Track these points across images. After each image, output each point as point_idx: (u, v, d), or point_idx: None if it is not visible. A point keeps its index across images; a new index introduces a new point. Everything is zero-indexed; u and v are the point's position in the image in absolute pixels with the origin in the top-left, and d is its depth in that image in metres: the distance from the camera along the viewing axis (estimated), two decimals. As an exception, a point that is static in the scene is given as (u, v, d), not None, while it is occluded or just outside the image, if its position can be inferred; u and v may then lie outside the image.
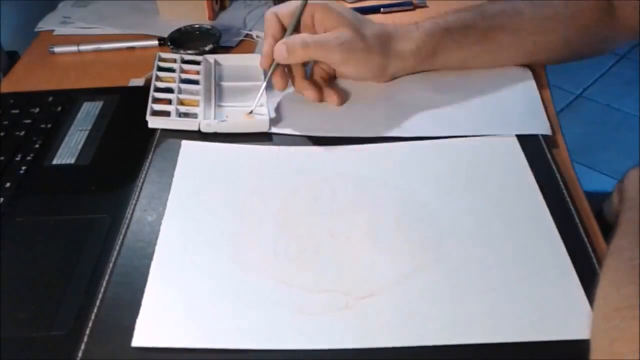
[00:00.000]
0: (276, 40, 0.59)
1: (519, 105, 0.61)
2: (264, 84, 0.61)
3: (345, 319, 0.42)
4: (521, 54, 0.65)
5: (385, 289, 0.44)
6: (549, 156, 0.55)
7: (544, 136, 0.57)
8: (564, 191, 0.52)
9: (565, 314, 0.42)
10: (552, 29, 0.63)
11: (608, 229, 0.45)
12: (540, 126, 0.58)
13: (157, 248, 0.47)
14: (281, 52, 0.57)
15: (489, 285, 0.44)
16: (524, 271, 0.45)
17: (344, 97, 0.62)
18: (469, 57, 0.64)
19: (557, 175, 0.53)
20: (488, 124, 0.59)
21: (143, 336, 0.41)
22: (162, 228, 0.49)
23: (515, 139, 0.56)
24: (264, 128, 0.59)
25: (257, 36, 0.77)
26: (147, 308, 0.43)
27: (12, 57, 0.82)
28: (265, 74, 0.62)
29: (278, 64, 0.60)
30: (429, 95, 0.63)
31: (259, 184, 0.54)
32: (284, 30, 0.60)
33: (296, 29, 0.61)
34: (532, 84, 0.63)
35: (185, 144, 0.58)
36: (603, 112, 1.97)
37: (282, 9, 0.61)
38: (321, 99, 0.61)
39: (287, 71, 0.62)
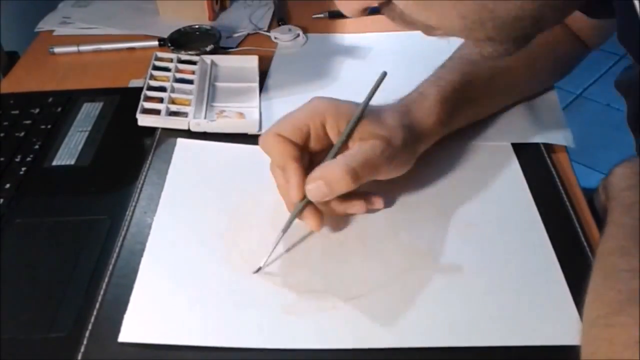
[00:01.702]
0: (301, 163, 0.47)
1: (541, 115, 0.60)
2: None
3: (333, 319, 0.42)
4: (516, 92, 0.62)
5: (373, 290, 0.44)
6: (546, 157, 0.55)
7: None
8: (562, 192, 0.52)
9: (553, 320, 0.42)
10: (535, 59, 0.60)
11: (602, 226, 0.45)
12: (564, 137, 0.57)
13: (147, 245, 0.48)
14: (321, 191, 0.45)
15: (477, 289, 0.44)
16: (514, 276, 0.45)
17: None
18: (478, 112, 0.59)
19: (556, 176, 0.53)
20: (510, 132, 0.58)
21: (130, 332, 0.41)
22: (154, 225, 0.49)
23: (509, 146, 0.56)
24: (254, 129, 0.59)
25: (275, 37, 0.76)
26: (135, 304, 0.43)
27: (12, 57, 0.82)
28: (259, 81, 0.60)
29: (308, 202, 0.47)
30: None
31: (252, 184, 0.54)
32: (298, 149, 0.47)
33: (304, 143, 0.48)
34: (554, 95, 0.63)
35: (181, 142, 0.58)
36: (603, 112, 1.97)
37: (285, 127, 0.47)
38: (370, 205, 0.51)
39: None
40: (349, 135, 0.47)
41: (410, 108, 0.52)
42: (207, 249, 0.48)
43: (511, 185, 0.53)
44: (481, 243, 0.48)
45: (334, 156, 0.47)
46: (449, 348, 0.41)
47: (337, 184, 0.45)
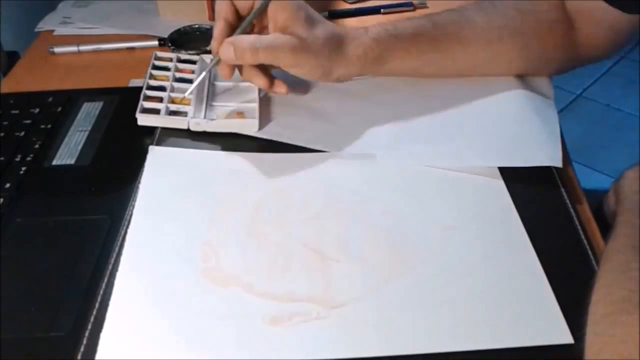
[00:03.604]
0: (229, 24, 0.56)
1: (535, 135, 0.56)
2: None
3: (317, 329, 0.42)
4: (475, 65, 0.62)
5: (357, 298, 0.44)
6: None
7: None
8: (563, 192, 0.52)
9: (537, 320, 0.42)
10: (505, 40, 0.60)
11: (606, 229, 0.45)
12: (552, 157, 0.53)
13: (122, 259, 0.46)
14: (228, 53, 0.54)
15: (461, 293, 0.44)
16: (495, 278, 0.45)
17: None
18: (420, 66, 0.61)
19: (556, 176, 0.53)
20: (494, 155, 0.55)
21: (108, 349, 0.40)
22: (128, 238, 0.48)
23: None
24: (253, 129, 0.59)
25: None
26: (112, 320, 0.42)
27: (12, 57, 0.83)
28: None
29: None
30: (434, 117, 0.60)
31: (229, 192, 0.52)
32: (238, 15, 0.57)
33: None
34: (554, 113, 0.60)
35: (153, 149, 0.57)
36: (603, 112, 1.97)
37: None
38: (271, 87, 0.59)
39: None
40: (262, 15, 0.56)
41: (348, 35, 0.58)
42: (185, 261, 0.46)
43: (492, 190, 0.52)
44: (462, 246, 0.47)
45: (242, 30, 0.56)
46: (435, 354, 0.40)
47: (241, 54, 0.54)
